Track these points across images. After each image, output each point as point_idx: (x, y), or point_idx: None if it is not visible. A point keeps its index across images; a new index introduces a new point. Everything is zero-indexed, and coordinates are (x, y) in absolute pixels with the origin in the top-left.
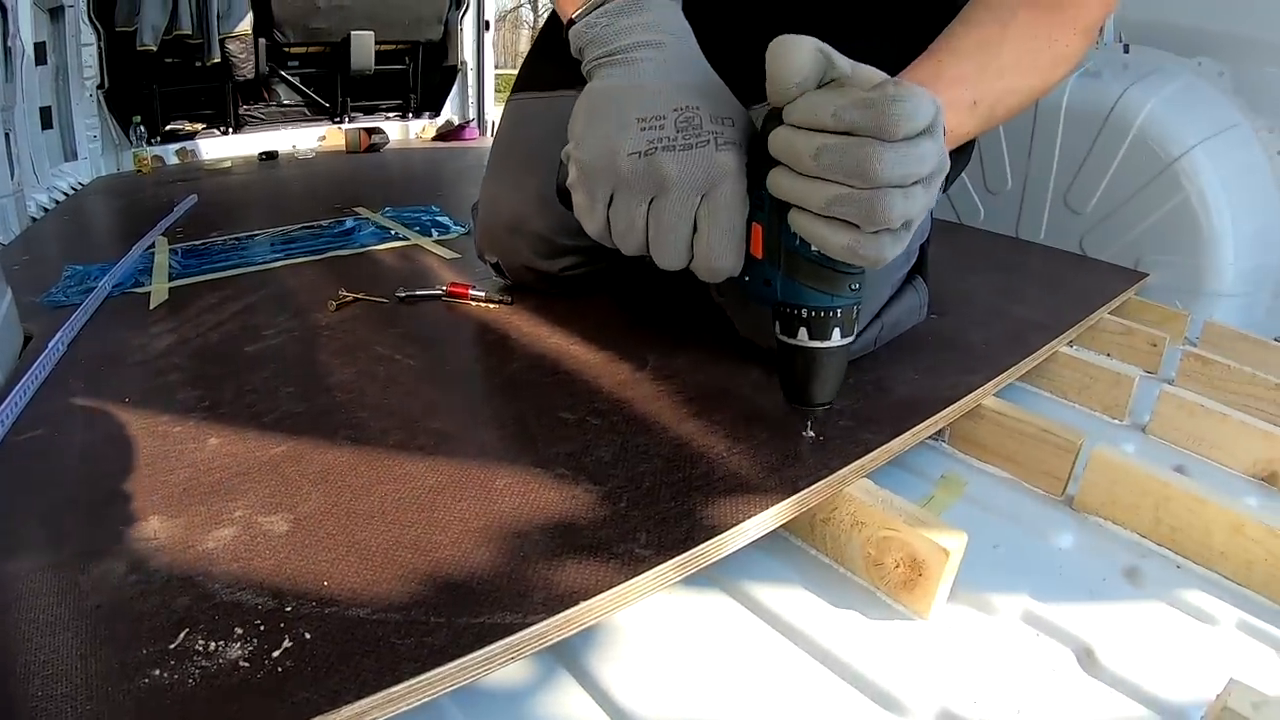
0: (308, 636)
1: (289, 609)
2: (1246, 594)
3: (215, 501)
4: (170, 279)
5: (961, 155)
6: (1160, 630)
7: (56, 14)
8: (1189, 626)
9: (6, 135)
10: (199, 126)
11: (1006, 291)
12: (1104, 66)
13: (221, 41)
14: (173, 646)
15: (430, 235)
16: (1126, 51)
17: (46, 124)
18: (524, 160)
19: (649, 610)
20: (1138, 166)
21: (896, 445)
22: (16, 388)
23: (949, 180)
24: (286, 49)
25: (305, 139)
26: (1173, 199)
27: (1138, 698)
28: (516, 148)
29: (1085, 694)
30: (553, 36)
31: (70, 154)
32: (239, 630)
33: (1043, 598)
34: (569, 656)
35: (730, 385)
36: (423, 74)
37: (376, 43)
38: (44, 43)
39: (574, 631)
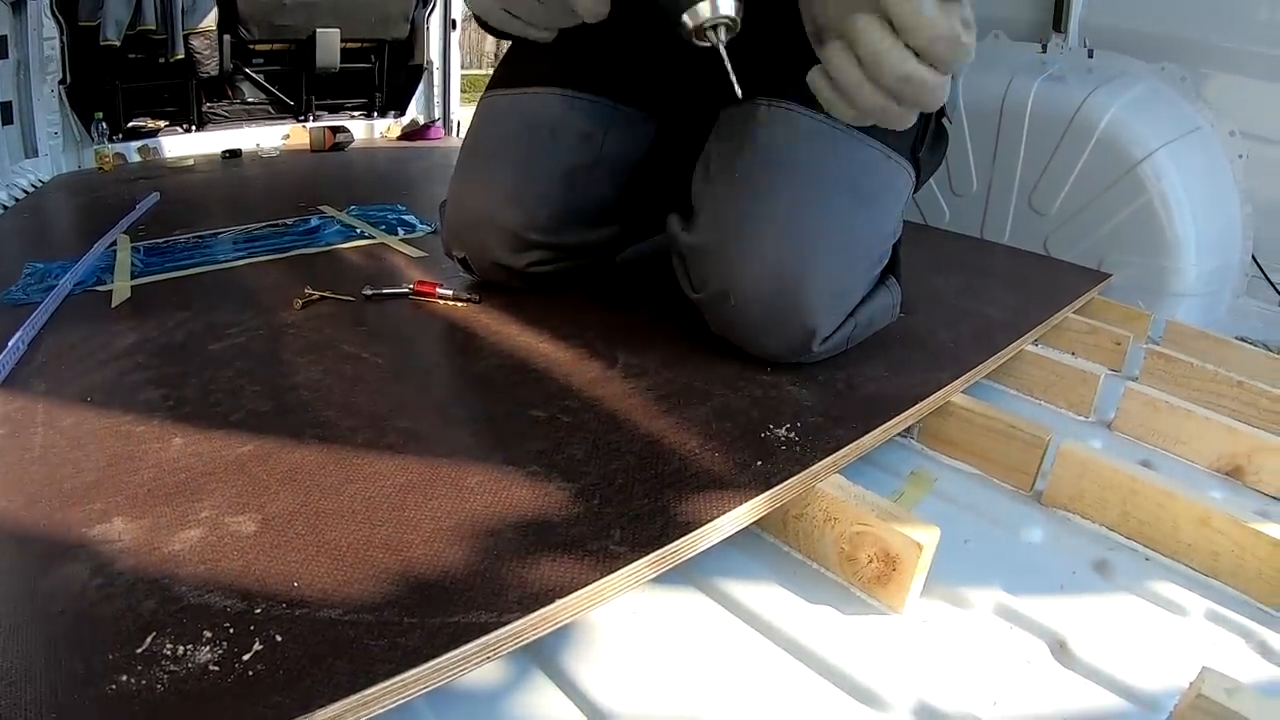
0: (279, 639)
1: (259, 611)
2: (1214, 584)
3: (181, 502)
4: (132, 277)
5: (934, 156)
6: (1131, 621)
7: (19, 7)
8: (1159, 617)
9: None
10: (162, 124)
11: (973, 291)
12: (1069, 71)
13: (185, 38)
14: (140, 651)
15: (396, 234)
16: (1091, 56)
17: (7, 120)
18: (492, 155)
19: (624, 608)
20: (1101, 169)
21: (867, 441)
22: None
23: (921, 180)
24: (251, 46)
25: (269, 137)
26: (1136, 201)
27: (1112, 687)
28: (484, 144)
29: (1060, 684)
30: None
31: (31, 151)
32: (208, 633)
33: (1015, 591)
34: (544, 656)
35: (701, 383)
36: (388, 73)
37: (342, 41)
38: (5, 36)
39: (549, 630)
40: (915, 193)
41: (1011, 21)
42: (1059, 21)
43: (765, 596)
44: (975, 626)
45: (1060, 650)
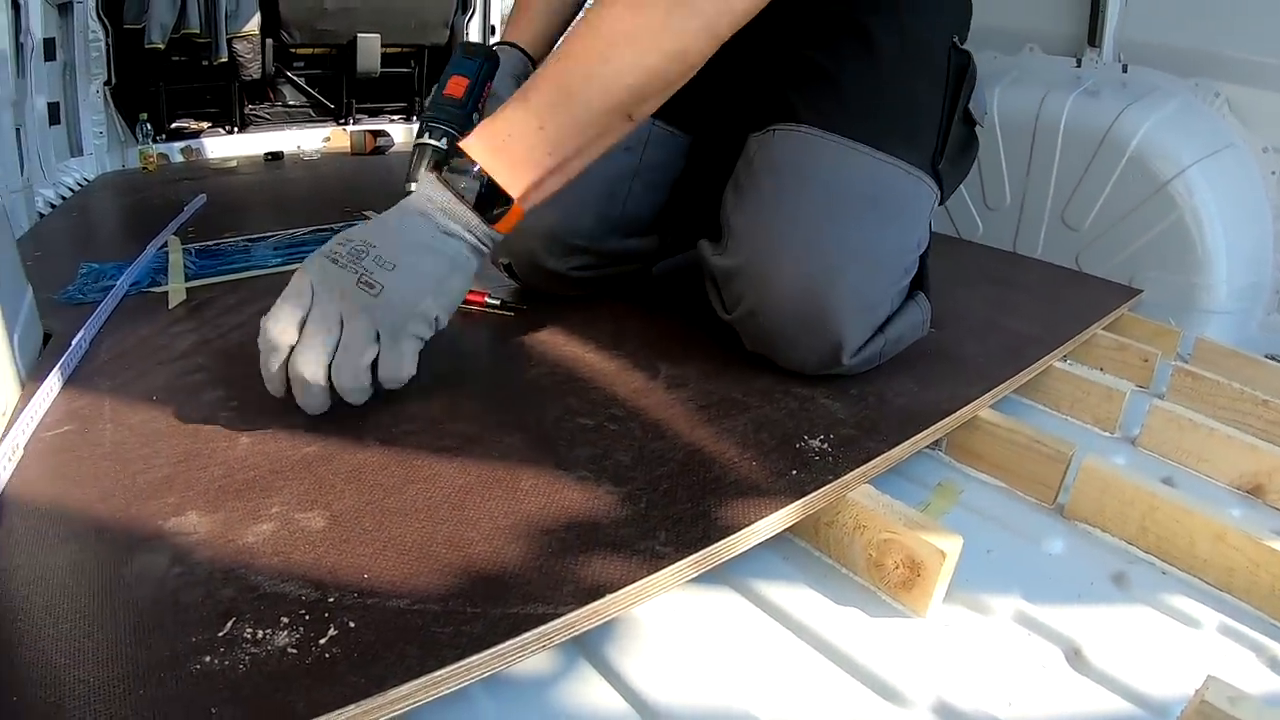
0: (352, 625)
1: (332, 599)
2: (1227, 599)
3: (251, 497)
4: (186, 279)
5: (958, 167)
6: (1145, 631)
7: (65, 10)
8: (1172, 628)
9: (18, 130)
10: (204, 125)
11: (1003, 306)
12: (1103, 85)
13: (229, 41)
14: (221, 634)
15: None
16: (1125, 71)
17: (54, 120)
18: None
19: (665, 605)
20: (1134, 185)
21: (897, 454)
22: (44, 383)
23: (946, 192)
24: (293, 50)
25: (310, 140)
26: (1167, 218)
27: (1122, 693)
28: None
29: (1073, 689)
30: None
31: (76, 150)
32: (285, 619)
33: (1034, 599)
34: (590, 647)
35: (739, 394)
36: (428, 77)
37: (383, 46)
38: (53, 38)
39: (599, 622)
40: (943, 203)
41: (1047, 35)
42: (1094, 36)
43: (796, 598)
44: (994, 632)
45: (1075, 657)
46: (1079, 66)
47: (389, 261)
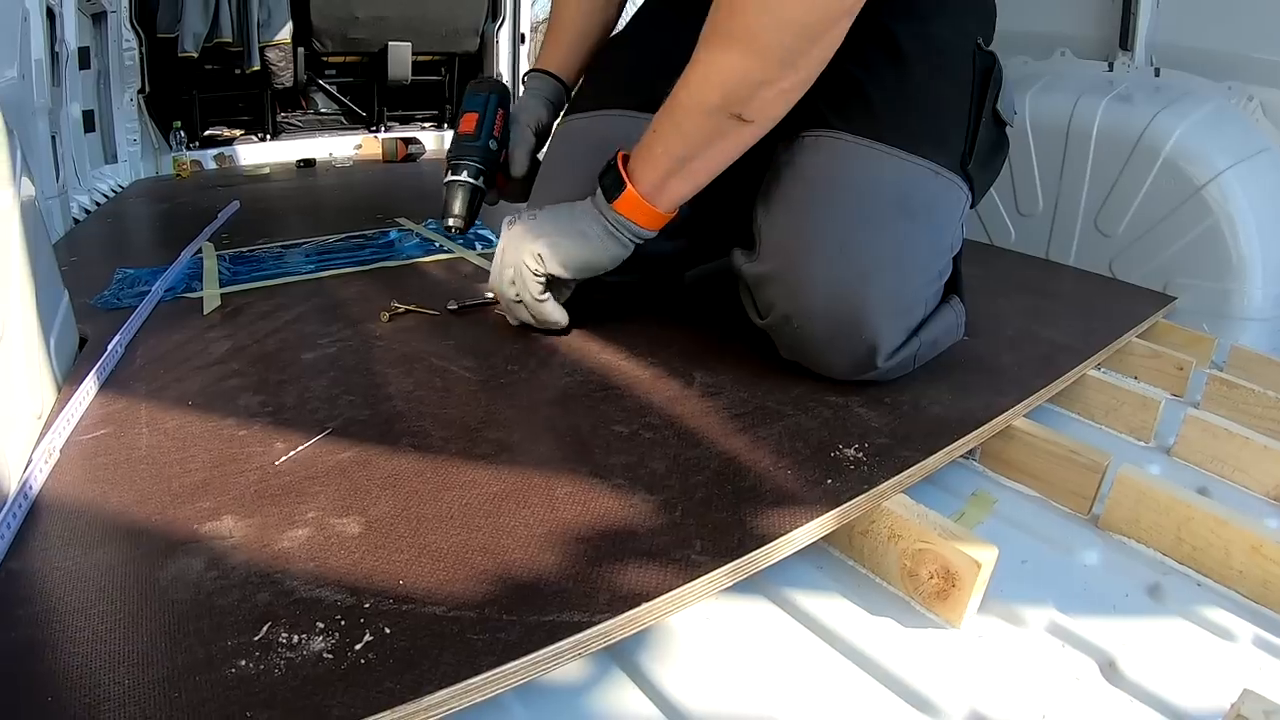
0: (388, 631)
1: (367, 605)
2: (1263, 611)
3: (287, 503)
4: (220, 285)
5: (989, 168)
6: (1180, 644)
7: (99, 19)
8: (1207, 641)
9: (53, 137)
10: (237, 132)
11: (1037, 314)
12: (1135, 90)
13: (261, 50)
14: (257, 639)
15: (474, 248)
16: (1157, 75)
17: (89, 127)
18: (568, 170)
19: (698, 614)
20: (1167, 190)
21: (932, 463)
22: (81, 387)
23: (978, 193)
24: (325, 58)
25: (342, 147)
26: (1202, 223)
27: (1157, 706)
28: (561, 161)
29: (1107, 702)
30: (594, 67)
31: (110, 157)
32: (320, 624)
33: (1068, 610)
34: (624, 656)
35: (774, 403)
36: (459, 85)
37: (414, 53)
38: (87, 47)
39: (635, 630)
40: (975, 205)
41: (1078, 39)
42: (1126, 40)
43: (830, 607)
44: (1029, 643)
45: (1109, 669)
46: (1111, 71)
47: (534, 217)
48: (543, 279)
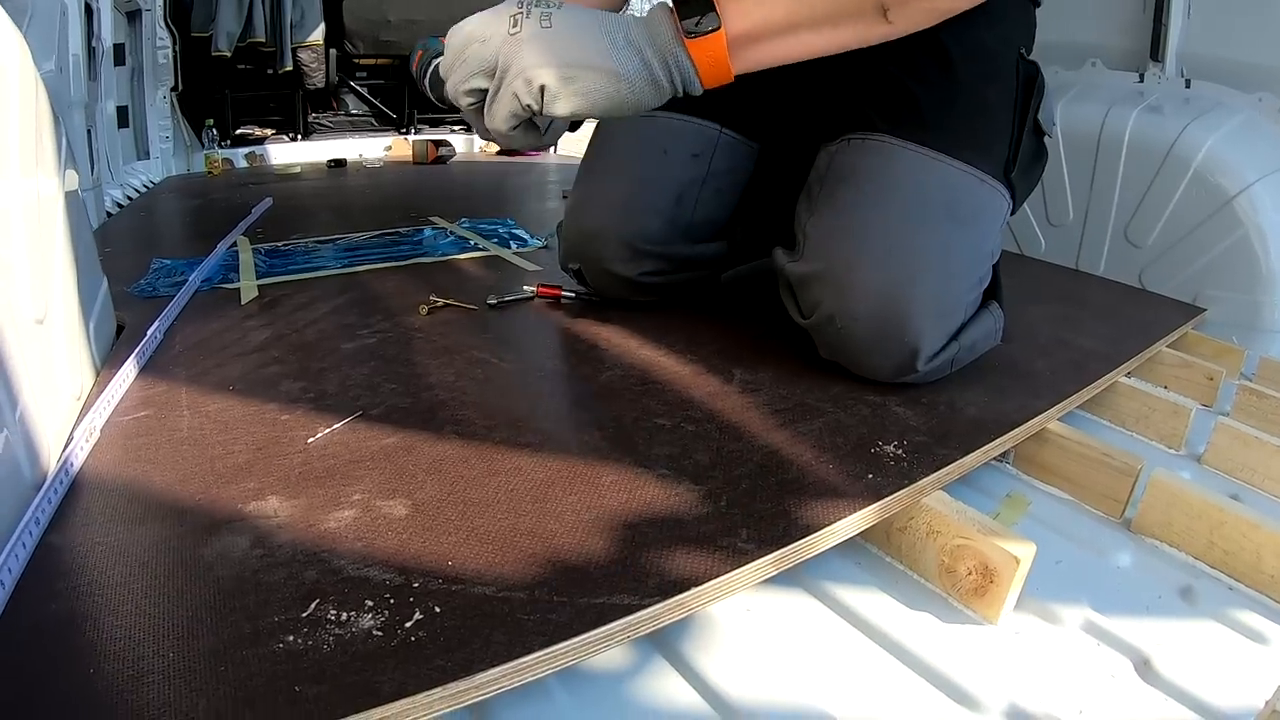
0: (437, 610)
1: (416, 585)
2: None
3: (332, 485)
4: (256, 277)
5: (1029, 177)
6: (1212, 645)
7: (134, 17)
8: (1240, 644)
9: (89, 131)
10: (269, 132)
11: (1068, 322)
12: (1165, 100)
13: (294, 51)
14: (305, 615)
15: (509, 247)
16: (1188, 86)
17: (122, 123)
18: (607, 172)
19: (739, 605)
20: (1198, 202)
21: (969, 461)
22: (121, 369)
23: (1017, 202)
24: (356, 60)
25: (372, 148)
26: (1232, 235)
27: (1191, 705)
28: (601, 162)
29: (1142, 699)
30: None
31: (143, 153)
32: (369, 602)
33: (1102, 610)
34: (666, 643)
35: (813, 400)
36: None
37: None
38: (123, 44)
39: (682, 615)
40: (1014, 212)
41: (1109, 49)
42: (1156, 50)
43: (869, 601)
44: (1064, 641)
45: (1144, 667)
46: (1141, 81)
47: (548, 21)
48: (527, 114)
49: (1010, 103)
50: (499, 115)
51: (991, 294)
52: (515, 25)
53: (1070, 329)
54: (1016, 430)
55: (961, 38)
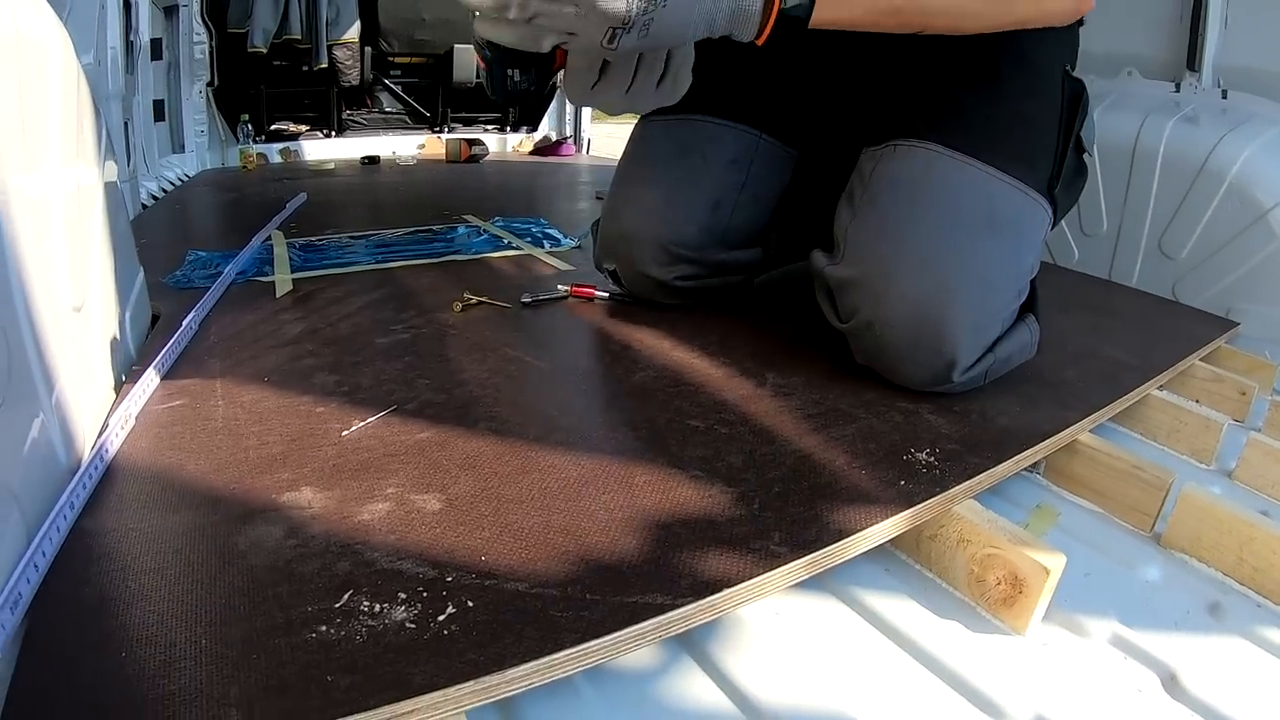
0: (470, 604)
1: (450, 579)
2: None
3: (366, 478)
4: (291, 271)
5: (1070, 193)
6: (1240, 663)
7: (171, 12)
8: (1267, 661)
9: (126, 123)
10: (303, 128)
11: (1100, 334)
12: (1201, 111)
13: (329, 48)
14: (338, 606)
15: (542, 246)
16: (1224, 97)
17: (159, 117)
18: (646, 175)
19: (768, 609)
20: (1233, 214)
21: (1001, 471)
22: (155, 359)
23: (1059, 215)
24: (391, 59)
25: (405, 146)
26: (1267, 248)
27: None
28: (639, 164)
29: (1169, 714)
30: None
31: (178, 147)
32: (402, 595)
33: (1130, 624)
34: (694, 645)
35: (846, 405)
36: None
37: None
38: (160, 39)
39: (714, 616)
40: (1054, 228)
41: (1145, 59)
42: (1193, 61)
43: (898, 609)
44: (1091, 653)
45: (1171, 682)
46: (1177, 91)
47: None
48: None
49: (1056, 119)
50: (591, 31)
51: (1028, 307)
52: None
53: (1102, 340)
54: (1048, 441)
55: (1010, 52)
